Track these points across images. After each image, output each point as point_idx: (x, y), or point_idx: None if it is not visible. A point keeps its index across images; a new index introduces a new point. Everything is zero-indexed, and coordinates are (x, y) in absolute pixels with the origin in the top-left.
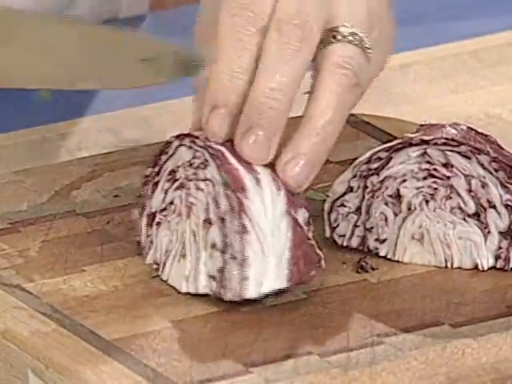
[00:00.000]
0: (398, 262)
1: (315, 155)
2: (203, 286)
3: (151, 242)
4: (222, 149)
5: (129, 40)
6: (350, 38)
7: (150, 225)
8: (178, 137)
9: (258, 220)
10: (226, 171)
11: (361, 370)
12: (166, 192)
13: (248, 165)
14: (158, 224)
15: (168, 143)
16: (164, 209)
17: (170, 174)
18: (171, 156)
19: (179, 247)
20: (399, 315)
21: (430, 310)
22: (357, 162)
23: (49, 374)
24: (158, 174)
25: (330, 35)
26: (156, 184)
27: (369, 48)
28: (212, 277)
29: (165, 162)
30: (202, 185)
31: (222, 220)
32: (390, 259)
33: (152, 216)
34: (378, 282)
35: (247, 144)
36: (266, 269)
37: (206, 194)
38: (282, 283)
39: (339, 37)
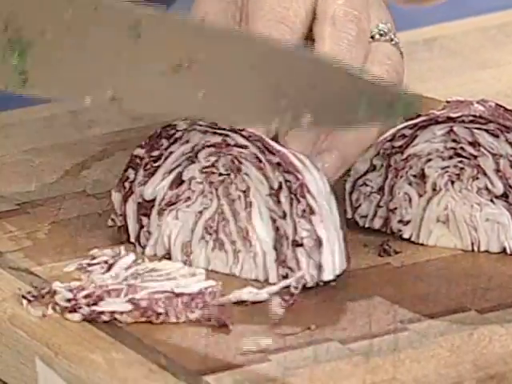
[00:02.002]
0: (422, 245)
1: (349, 150)
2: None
3: (149, 233)
4: (256, 131)
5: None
6: (387, 37)
7: (145, 214)
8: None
9: (318, 199)
10: (273, 153)
11: (383, 357)
12: (177, 180)
13: (285, 147)
14: (160, 213)
15: (171, 126)
16: (177, 198)
17: (187, 160)
18: (177, 140)
19: (215, 239)
20: (423, 300)
21: (456, 296)
22: (380, 139)
23: (58, 361)
24: (157, 159)
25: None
26: (155, 170)
27: (401, 48)
28: (287, 267)
29: (169, 146)
30: (249, 171)
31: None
32: (413, 242)
33: (147, 205)
34: (401, 266)
35: (293, 140)
36: (334, 249)
37: (253, 179)
38: (343, 264)
39: (377, 35)
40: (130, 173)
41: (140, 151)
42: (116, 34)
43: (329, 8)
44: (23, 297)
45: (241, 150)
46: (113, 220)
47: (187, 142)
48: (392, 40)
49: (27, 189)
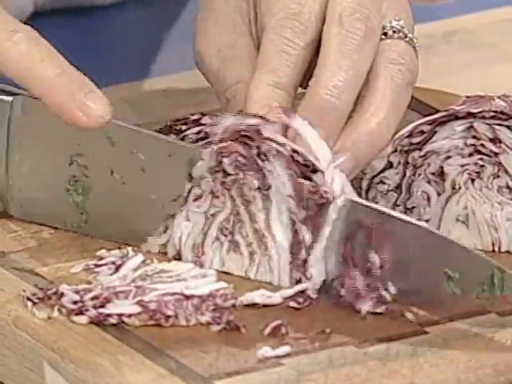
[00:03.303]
0: None
1: (362, 151)
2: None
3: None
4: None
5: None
6: (401, 34)
7: None
8: (204, 114)
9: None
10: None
11: (401, 361)
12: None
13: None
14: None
15: (180, 120)
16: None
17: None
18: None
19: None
20: (443, 302)
21: (476, 298)
22: (398, 135)
23: (64, 365)
24: None
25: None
26: None
27: (416, 45)
28: (301, 272)
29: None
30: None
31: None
32: None
33: None
34: None
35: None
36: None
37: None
38: None
39: (390, 32)
40: None
41: None
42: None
43: (337, 6)
44: (28, 298)
45: (271, 143)
46: None
47: (197, 140)
48: (406, 36)
49: None
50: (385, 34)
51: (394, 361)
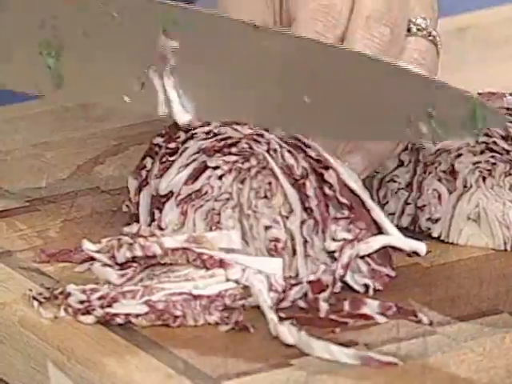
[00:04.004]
0: (452, 244)
1: (375, 150)
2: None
3: (160, 228)
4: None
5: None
6: (425, 32)
7: (157, 208)
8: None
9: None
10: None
11: (411, 362)
12: (194, 174)
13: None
14: (183, 206)
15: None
16: (196, 194)
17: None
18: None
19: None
20: (454, 302)
21: (488, 297)
22: None
23: (71, 365)
24: (173, 153)
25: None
26: (170, 164)
27: (438, 42)
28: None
29: (185, 140)
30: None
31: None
32: (443, 241)
33: (161, 199)
34: (430, 266)
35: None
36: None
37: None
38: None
39: (414, 29)
40: (148, 161)
41: (159, 140)
42: (154, 34)
43: (365, 8)
44: (34, 298)
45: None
46: (127, 206)
47: (204, 139)
48: (430, 35)
49: (38, 185)
50: (408, 29)
51: (404, 361)
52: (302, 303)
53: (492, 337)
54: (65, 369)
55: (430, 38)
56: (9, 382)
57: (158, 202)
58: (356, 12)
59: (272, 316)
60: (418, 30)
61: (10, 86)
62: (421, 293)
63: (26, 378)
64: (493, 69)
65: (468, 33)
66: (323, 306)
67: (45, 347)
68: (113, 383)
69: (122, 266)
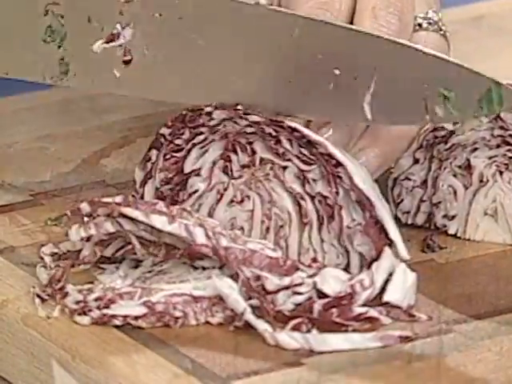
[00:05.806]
0: (468, 240)
1: (390, 147)
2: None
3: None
4: (297, 125)
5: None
6: (436, 26)
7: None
8: (217, 108)
9: (375, 197)
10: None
11: (427, 361)
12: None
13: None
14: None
15: (195, 111)
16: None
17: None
18: (210, 128)
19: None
20: (470, 300)
21: (505, 295)
22: (422, 130)
23: (75, 364)
24: (177, 150)
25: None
26: (180, 157)
27: (449, 37)
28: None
29: (189, 140)
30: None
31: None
32: (459, 237)
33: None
34: (446, 263)
35: (331, 136)
36: (399, 239)
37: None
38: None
39: (425, 24)
40: (153, 153)
41: (166, 130)
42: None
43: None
44: (37, 295)
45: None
46: (133, 196)
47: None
48: (441, 29)
49: (42, 178)
50: (419, 25)
51: (419, 360)
52: (290, 306)
53: (510, 335)
54: (69, 368)
55: (442, 32)
56: (12, 381)
57: (161, 197)
58: (360, 4)
59: (265, 327)
60: (430, 24)
61: (12, 73)
62: (436, 290)
63: (30, 378)
64: (509, 59)
65: (483, 22)
66: (315, 308)
67: (49, 346)
68: (119, 383)
69: (110, 259)
